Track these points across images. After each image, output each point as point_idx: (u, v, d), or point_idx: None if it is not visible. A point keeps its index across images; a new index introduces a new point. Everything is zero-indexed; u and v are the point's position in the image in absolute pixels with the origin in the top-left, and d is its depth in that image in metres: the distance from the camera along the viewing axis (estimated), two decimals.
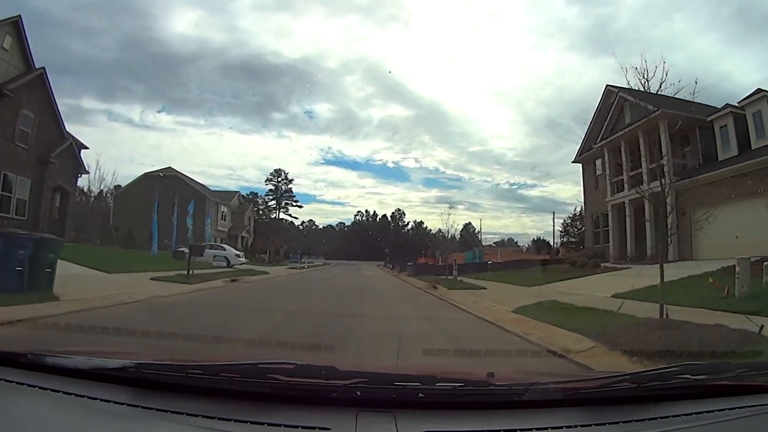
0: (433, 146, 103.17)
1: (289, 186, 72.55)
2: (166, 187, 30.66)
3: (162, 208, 26.46)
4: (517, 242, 64.75)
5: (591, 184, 25.94)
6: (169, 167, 39.23)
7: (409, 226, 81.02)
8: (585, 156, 26.19)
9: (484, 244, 51.79)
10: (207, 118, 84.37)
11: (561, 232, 51.36)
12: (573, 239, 50.15)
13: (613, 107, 22.98)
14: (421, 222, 78.83)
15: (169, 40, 66.11)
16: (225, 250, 26.56)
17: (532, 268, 21.81)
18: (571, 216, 52.99)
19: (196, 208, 29.97)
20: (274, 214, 70.76)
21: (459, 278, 19.41)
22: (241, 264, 25.34)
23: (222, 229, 42.47)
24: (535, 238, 54.68)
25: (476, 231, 61.45)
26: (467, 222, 74.64)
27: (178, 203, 26.76)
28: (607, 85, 24.43)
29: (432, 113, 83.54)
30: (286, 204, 71.89)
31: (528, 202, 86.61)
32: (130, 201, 33.16)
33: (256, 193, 69.32)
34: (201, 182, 43.14)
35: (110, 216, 35.95)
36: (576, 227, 52.14)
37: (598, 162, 24.78)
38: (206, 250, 23.77)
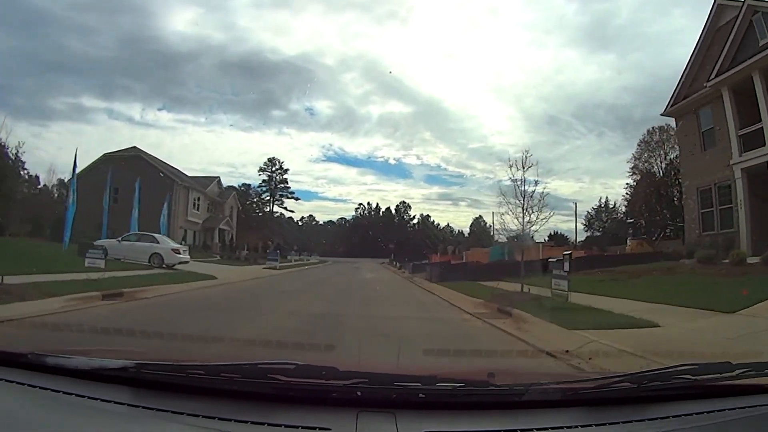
0: (435, 143, 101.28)
1: (284, 176, 64.92)
2: (128, 169, 25.95)
3: (124, 193, 22.71)
4: (533, 237, 59.01)
5: (693, 144, 18.07)
6: (134, 147, 33.94)
7: (416, 221, 75.29)
8: (681, 106, 18.25)
9: (496, 239, 46.68)
10: (207, 116, 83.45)
11: (584, 225, 48.59)
12: (598, 232, 47.70)
13: (735, 28, 15.34)
14: (428, 216, 74.50)
15: (168, 38, 65.06)
16: (158, 242, 18.23)
17: (628, 269, 14.22)
18: (595, 207, 50.87)
19: (157, 193, 25.58)
20: (269, 208, 64.00)
21: (562, 288, 8.45)
22: (182, 262, 17.64)
23: (194, 220, 35.97)
24: (552, 233, 50.98)
25: (488, 225, 56.55)
26: (478, 215, 69.02)
27: (140, 187, 22.50)
28: (716, 1, 16.88)
29: (432, 110, 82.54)
30: (281, 196, 64.21)
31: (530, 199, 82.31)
32: (88, 187, 27.27)
33: (249, 185, 63.08)
34: (172, 165, 37.20)
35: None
36: (602, 219, 50.37)
37: (705, 112, 17.13)
38: (131, 242, 17.69)
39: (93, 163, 31.59)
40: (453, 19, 74.39)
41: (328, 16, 77.92)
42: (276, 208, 64.18)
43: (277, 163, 63.97)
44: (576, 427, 1.20)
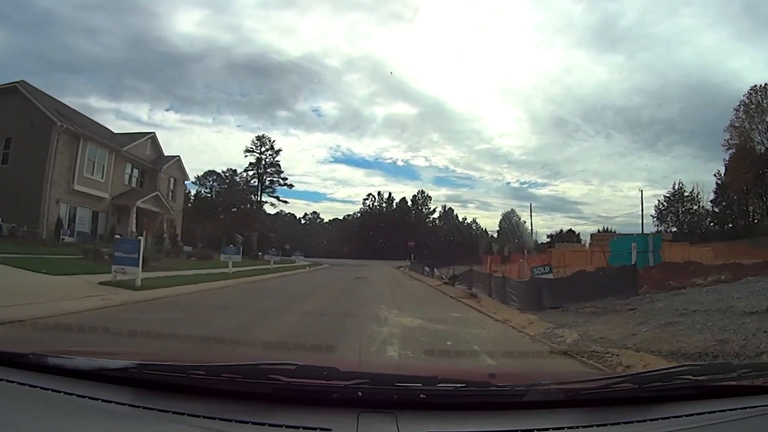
0: (443, 144, 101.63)
1: (276, 159, 53.51)
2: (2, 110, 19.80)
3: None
4: (579, 234, 53.91)
5: None
6: (22, 81, 21.76)
7: (436, 215, 66.20)
8: None
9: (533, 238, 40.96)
10: (215, 116, 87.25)
11: (654, 217, 42.92)
12: (675, 226, 41.44)
13: None
14: (451, 209, 67.23)
15: (175, 39, 66.17)
16: None
17: None
18: (668, 195, 44.48)
19: (33, 141, 19.07)
20: (256, 196, 53.44)
21: None
22: None
23: (91, 192, 22.33)
24: (599, 230, 47.40)
25: (524, 222, 48.44)
26: (509, 209, 62.17)
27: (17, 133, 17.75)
28: None
29: (440, 111, 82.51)
30: (271, 182, 53.42)
31: (538, 201, 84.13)
32: None
33: (235, 170, 54.40)
34: (72, 107, 25.63)
35: None
36: (677, 211, 43.04)
37: None
38: None
39: None
40: (459, 20, 76.14)
41: (334, 17, 79.77)
42: (267, 198, 54.07)
43: (267, 142, 53.39)
44: (577, 427, 1.21)
